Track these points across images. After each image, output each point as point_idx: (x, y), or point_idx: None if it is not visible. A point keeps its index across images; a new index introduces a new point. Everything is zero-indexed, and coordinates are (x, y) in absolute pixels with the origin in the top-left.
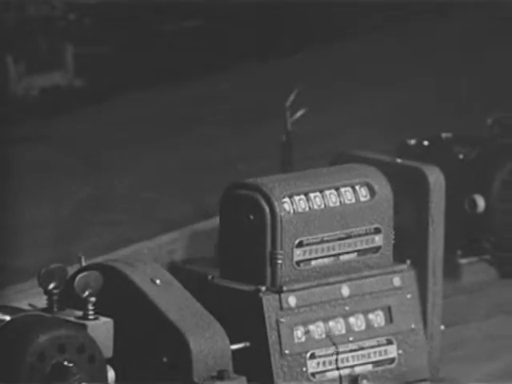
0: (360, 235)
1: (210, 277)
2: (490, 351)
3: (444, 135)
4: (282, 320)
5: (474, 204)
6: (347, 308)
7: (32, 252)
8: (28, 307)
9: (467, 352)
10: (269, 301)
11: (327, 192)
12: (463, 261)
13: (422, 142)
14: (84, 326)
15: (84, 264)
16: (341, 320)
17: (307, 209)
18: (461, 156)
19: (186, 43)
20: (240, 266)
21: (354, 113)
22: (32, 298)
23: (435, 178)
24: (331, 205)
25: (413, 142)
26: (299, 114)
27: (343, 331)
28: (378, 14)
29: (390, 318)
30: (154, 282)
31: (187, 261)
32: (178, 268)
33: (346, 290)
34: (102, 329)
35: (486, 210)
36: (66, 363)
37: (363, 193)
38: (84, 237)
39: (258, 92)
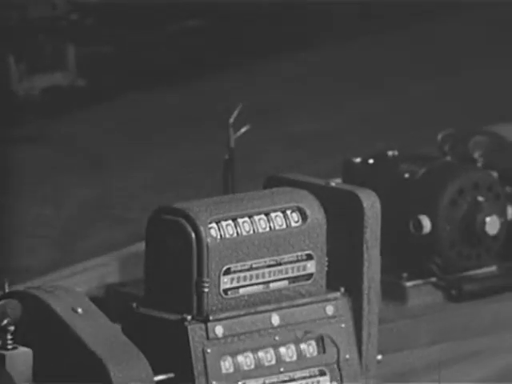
0: (291, 262)
1: (134, 304)
2: (433, 379)
3: (390, 153)
4: (208, 350)
5: (420, 225)
6: (277, 338)
7: (32, 252)
8: None
9: (412, 380)
10: (194, 330)
11: (256, 217)
12: (409, 284)
13: (367, 160)
14: (2, 357)
15: (7, 290)
16: (271, 350)
17: (235, 235)
18: (406, 175)
19: (188, 43)
20: (166, 294)
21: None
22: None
23: (370, 202)
24: (261, 230)
25: (358, 160)
26: (243, 130)
27: (273, 362)
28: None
29: (322, 348)
30: (75, 311)
31: (123, 283)
32: (114, 291)
33: (276, 319)
34: (20, 359)
35: (431, 231)
36: None
37: (295, 218)
38: (84, 237)
39: (258, 93)
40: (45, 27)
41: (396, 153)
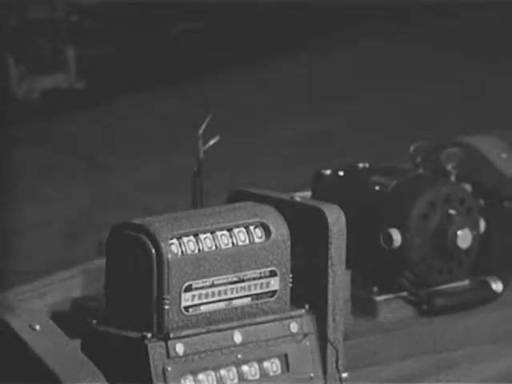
0: (254, 279)
1: (94, 321)
2: None
3: (361, 165)
4: (168, 368)
5: (390, 238)
6: (240, 356)
7: (32, 253)
8: None
9: None
10: (155, 348)
11: (219, 233)
12: (379, 298)
13: (338, 172)
14: None
15: None
16: (233, 368)
17: (197, 251)
18: (377, 187)
19: (187, 45)
20: (126, 311)
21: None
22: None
23: (335, 217)
24: (223, 246)
25: (328, 172)
26: (212, 141)
27: (235, 380)
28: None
29: (286, 366)
30: (33, 328)
31: (89, 298)
32: (79, 305)
33: (238, 337)
34: None
35: (402, 245)
36: None
37: (258, 233)
38: (85, 238)
39: (258, 93)
40: (45, 29)
41: (367, 165)
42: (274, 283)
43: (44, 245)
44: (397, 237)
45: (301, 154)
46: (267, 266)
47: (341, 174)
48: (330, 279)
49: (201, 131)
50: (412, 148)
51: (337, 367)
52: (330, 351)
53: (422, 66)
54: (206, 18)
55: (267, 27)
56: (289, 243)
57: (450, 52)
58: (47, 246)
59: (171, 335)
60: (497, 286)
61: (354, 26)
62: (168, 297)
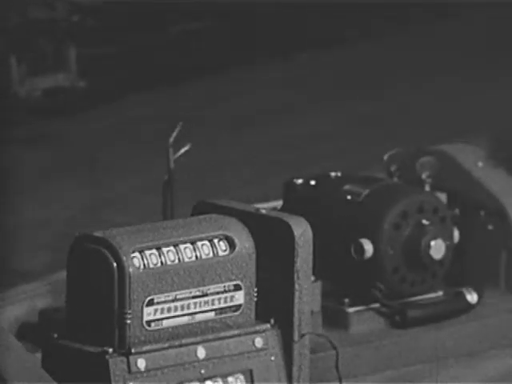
0: (218, 293)
1: (55, 335)
2: None
3: (333, 174)
4: None
5: (361, 249)
6: (203, 371)
7: (32, 253)
8: None
9: None
10: (116, 363)
11: (182, 246)
12: (351, 310)
13: (309, 181)
14: None
15: None
16: None
17: (159, 264)
18: (348, 197)
19: (189, 45)
20: (87, 325)
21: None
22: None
23: (301, 230)
24: (186, 260)
25: (300, 181)
26: (183, 150)
27: None
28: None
29: (251, 382)
30: None
31: (57, 309)
32: (46, 316)
33: (201, 352)
34: None
35: (374, 256)
36: None
37: (222, 247)
38: None
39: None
40: (46, 29)
41: (339, 174)
42: (239, 297)
43: (44, 244)
44: (368, 247)
45: (300, 154)
46: (231, 280)
47: (312, 183)
48: (296, 293)
49: (171, 140)
50: (386, 157)
51: (336, 367)
52: (295, 366)
53: (422, 65)
54: (206, 17)
55: (267, 27)
56: (254, 256)
57: (450, 52)
58: (47, 246)
59: (133, 350)
60: (472, 298)
61: (354, 26)
62: (129, 311)
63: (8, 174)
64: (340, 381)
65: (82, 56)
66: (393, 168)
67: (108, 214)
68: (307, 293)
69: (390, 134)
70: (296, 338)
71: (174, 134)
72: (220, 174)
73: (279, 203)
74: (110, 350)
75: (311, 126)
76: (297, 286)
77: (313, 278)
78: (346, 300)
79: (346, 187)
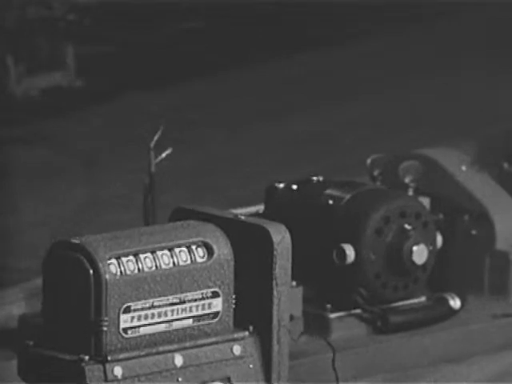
0: (196, 300)
1: (30, 343)
2: None
3: (315, 178)
4: None
5: (343, 254)
6: (181, 379)
7: (32, 253)
8: None
9: None
10: (92, 371)
11: (159, 252)
12: (332, 315)
13: (291, 185)
14: None
15: None
16: None
17: (136, 271)
18: (330, 201)
19: (187, 44)
20: (63, 333)
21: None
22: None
23: (280, 236)
24: (164, 267)
25: (281, 185)
26: (164, 154)
27: None
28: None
29: None
30: None
31: (37, 314)
32: (26, 322)
33: (179, 360)
34: None
35: (356, 261)
36: None
37: (200, 253)
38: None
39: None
40: (43, 28)
41: (321, 178)
42: (217, 304)
43: (44, 243)
44: (350, 252)
45: (300, 153)
46: (209, 287)
47: (294, 187)
48: (275, 300)
49: (153, 144)
50: (369, 161)
51: (333, 368)
52: (274, 374)
53: (422, 66)
54: (206, 17)
55: (267, 27)
56: (232, 263)
57: (450, 52)
58: (45, 245)
59: (109, 358)
60: (454, 303)
61: (354, 25)
62: (106, 318)
63: (5, 174)
64: (337, 381)
65: (80, 55)
66: (376, 172)
67: (107, 213)
68: (286, 300)
69: (389, 134)
70: (275, 345)
71: (156, 138)
72: (220, 174)
73: (261, 208)
74: (86, 357)
75: (311, 125)
76: (275, 293)
77: (294, 284)
78: (328, 305)
79: (328, 192)
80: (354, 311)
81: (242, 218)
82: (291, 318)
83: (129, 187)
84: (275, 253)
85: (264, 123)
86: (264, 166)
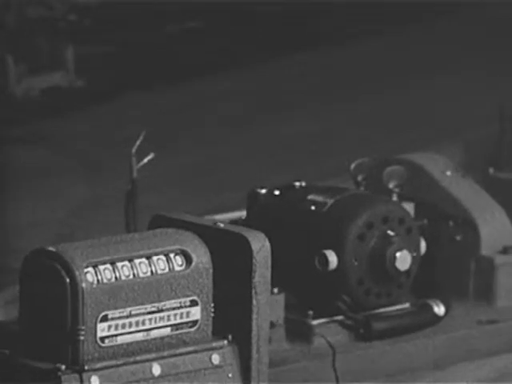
0: (174, 308)
1: (6, 352)
2: None
3: (297, 184)
4: None
5: (326, 260)
6: None
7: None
8: None
9: None
10: (69, 381)
11: (137, 261)
12: (315, 322)
13: (273, 191)
14: None
15: None
16: None
17: (113, 279)
18: (313, 207)
19: (187, 44)
20: (40, 342)
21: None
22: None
23: (259, 245)
24: (141, 275)
25: (263, 191)
26: (146, 159)
27: None
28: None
29: None
30: None
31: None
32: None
33: (157, 369)
34: None
35: (338, 267)
36: None
37: (178, 261)
38: (84, 237)
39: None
40: (43, 28)
41: (303, 184)
42: (195, 313)
43: (43, 243)
44: (332, 258)
45: (300, 153)
46: (188, 296)
47: (276, 193)
48: (254, 309)
49: (134, 149)
50: (353, 166)
51: (333, 367)
52: (253, 383)
53: (422, 66)
54: (206, 17)
55: (267, 27)
56: (211, 271)
57: (450, 52)
58: (44, 244)
59: (86, 367)
60: (439, 310)
61: (354, 25)
62: (83, 327)
63: (5, 174)
64: (337, 381)
65: (80, 55)
66: (360, 177)
67: (106, 213)
68: (265, 308)
69: (389, 134)
70: (254, 354)
71: (137, 143)
72: (220, 174)
73: (243, 214)
74: (63, 366)
75: (311, 125)
76: (255, 302)
77: (276, 290)
78: (310, 312)
79: (311, 197)
80: (336, 318)
81: (221, 225)
82: (273, 325)
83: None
84: (254, 261)
85: (264, 123)
86: (264, 166)
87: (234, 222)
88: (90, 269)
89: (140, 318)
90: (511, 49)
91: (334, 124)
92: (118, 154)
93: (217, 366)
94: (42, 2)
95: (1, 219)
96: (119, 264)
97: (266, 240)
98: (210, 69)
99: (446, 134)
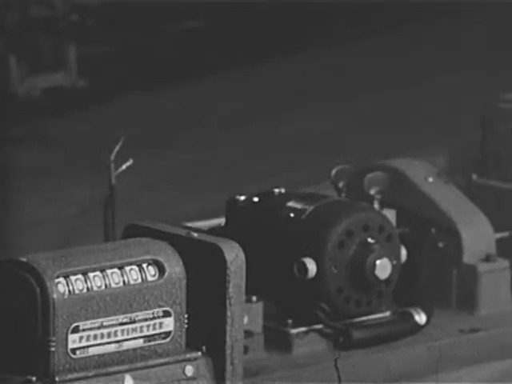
0: (146, 319)
1: None
2: None
3: (277, 191)
4: None
5: (304, 268)
6: None
7: (32, 251)
8: None
9: None
10: None
11: (109, 271)
12: (294, 331)
13: (252, 198)
14: None
15: None
16: None
17: (85, 290)
18: (292, 214)
19: (188, 44)
20: (10, 353)
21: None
22: None
23: (233, 255)
24: (113, 285)
25: (242, 198)
26: (125, 166)
27: None
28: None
29: None
30: None
31: None
32: None
33: (129, 381)
34: None
35: (317, 275)
36: None
37: (151, 271)
38: (84, 237)
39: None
40: (45, 28)
41: (283, 190)
42: (168, 324)
43: (44, 243)
44: (311, 266)
45: (300, 153)
46: (161, 306)
47: (255, 199)
48: (228, 320)
49: (113, 156)
50: (333, 172)
51: (336, 367)
52: None
53: (422, 66)
54: (206, 17)
55: (267, 27)
56: (184, 282)
57: (450, 52)
58: (47, 245)
59: (57, 379)
60: (420, 318)
61: (354, 25)
62: (54, 338)
63: (7, 173)
64: (339, 381)
65: (82, 55)
66: (341, 184)
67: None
68: (240, 319)
69: (389, 134)
70: (228, 366)
71: (116, 149)
72: (220, 174)
73: (222, 220)
74: (34, 378)
75: (311, 125)
76: (229, 313)
77: (254, 298)
78: (289, 321)
79: (290, 204)
80: (315, 326)
81: (195, 235)
82: (251, 333)
83: (129, 187)
84: (228, 271)
85: (264, 123)
86: (264, 166)
87: (212, 229)
88: (62, 279)
89: (112, 329)
90: (511, 49)
91: (334, 124)
92: (118, 153)
93: (190, 378)
94: (44, 2)
95: (1, 219)
96: (91, 274)
97: (241, 250)
98: (210, 69)
99: (446, 134)
